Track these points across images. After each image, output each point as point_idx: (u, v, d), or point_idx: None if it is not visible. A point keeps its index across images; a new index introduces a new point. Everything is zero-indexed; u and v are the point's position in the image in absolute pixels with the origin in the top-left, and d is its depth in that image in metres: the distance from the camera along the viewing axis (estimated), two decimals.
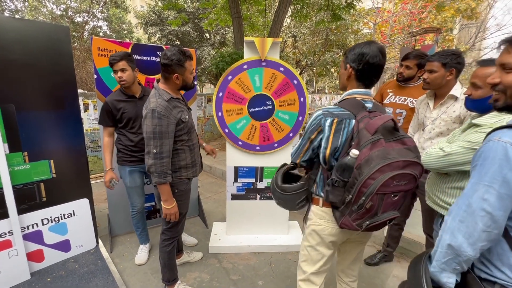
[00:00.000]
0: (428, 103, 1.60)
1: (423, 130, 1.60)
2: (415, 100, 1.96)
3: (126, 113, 1.79)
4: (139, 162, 1.89)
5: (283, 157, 2.19)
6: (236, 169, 2.21)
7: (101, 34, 17.60)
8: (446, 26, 15.57)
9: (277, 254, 2.20)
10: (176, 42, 17.09)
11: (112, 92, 1.93)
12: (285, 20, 6.24)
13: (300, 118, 2.11)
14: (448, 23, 16.41)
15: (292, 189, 1.16)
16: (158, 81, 1.51)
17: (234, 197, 2.27)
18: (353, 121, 0.96)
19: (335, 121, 0.97)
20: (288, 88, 2.04)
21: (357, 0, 5.89)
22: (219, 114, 2.04)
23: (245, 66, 1.97)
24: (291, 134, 2.14)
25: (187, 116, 1.48)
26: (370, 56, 0.96)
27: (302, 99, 2.07)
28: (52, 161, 1.85)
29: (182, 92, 1.58)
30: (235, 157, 2.19)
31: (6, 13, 13.86)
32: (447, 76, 1.46)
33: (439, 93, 1.55)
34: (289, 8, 5.70)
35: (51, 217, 1.90)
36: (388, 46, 17.56)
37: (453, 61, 1.43)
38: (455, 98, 1.48)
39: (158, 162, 1.36)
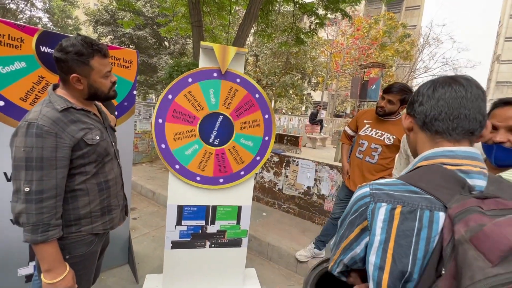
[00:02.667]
0: None
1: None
2: (393, 137, 1.76)
3: None
4: None
5: (240, 192, 1.77)
6: (181, 208, 1.69)
7: (39, 26, 15.37)
8: (388, 63, 17.67)
9: None
10: (131, 47, 15.81)
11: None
12: (248, 38, 6.07)
13: (267, 138, 1.73)
14: (389, 61, 18.72)
15: None
16: (55, 86, 1.02)
17: (176, 245, 1.72)
18: (441, 214, 0.47)
19: (398, 210, 0.49)
20: (251, 107, 1.66)
21: (319, 26, 6.03)
22: (160, 120, 1.53)
23: (190, 79, 1.53)
24: (258, 158, 1.73)
25: (97, 137, 1.01)
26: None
27: (267, 116, 1.70)
28: None
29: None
30: (179, 192, 1.67)
31: None
32: None
33: None
34: (253, 25, 5.54)
35: None
36: (341, 75, 19.13)
37: None
38: None
39: (33, 208, 0.86)
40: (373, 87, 10.06)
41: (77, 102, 1.00)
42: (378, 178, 1.85)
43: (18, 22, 1.48)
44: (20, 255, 1.59)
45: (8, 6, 14.12)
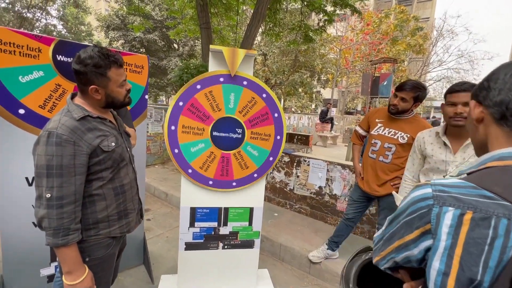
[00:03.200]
0: (444, 144, 1.33)
1: (444, 177, 1.31)
2: (406, 136, 1.72)
3: None
4: None
5: (252, 194, 1.77)
6: (194, 210, 1.72)
7: (54, 33, 15.93)
8: (399, 58, 17.23)
9: None
10: (141, 50, 16.11)
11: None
12: (256, 37, 6.06)
13: (271, 159, 1.73)
14: (401, 55, 18.24)
15: None
16: (73, 95, 1.06)
17: (189, 246, 1.75)
18: None
19: (469, 217, 0.46)
20: (266, 120, 1.67)
21: (328, 23, 5.95)
22: (172, 127, 1.56)
23: (221, 79, 1.55)
24: (255, 175, 1.73)
25: (113, 144, 1.03)
26: None
27: (278, 137, 1.71)
28: None
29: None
30: (192, 194, 1.70)
31: None
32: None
33: (462, 132, 1.28)
34: (261, 25, 5.53)
35: None
36: (351, 72, 18.80)
37: None
38: None
39: (54, 213, 0.90)
40: (385, 83, 9.84)
41: (94, 110, 1.03)
42: (393, 178, 1.81)
43: (35, 33, 1.54)
44: (42, 256, 1.65)
45: (25, 15, 14.68)
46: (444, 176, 1.32)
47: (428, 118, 20.81)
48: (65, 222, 0.91)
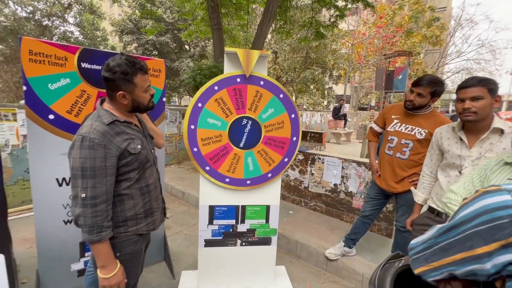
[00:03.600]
0: (460, 139, 1.31)
1: (460, 173, 1.29)
2: (424, 131, 1.69)
3: None
4: None
5: (268, 192, 1.80)
6: (212, 208, 1.77)
7: (71, 39, 16.54)
8: (415, 50, 16.65)
9: None
10: (154, 53, 16.47)
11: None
12: (267, 36, 6.07)
13: (294, 139, 1.75)
14: (417, 48, 17.63)
15: None
16: (103, 100, 1.14)
17: (209, 243, 1.81)
18: None
19: None
20: (281, 128, 1.72)
21: (339, 18, 5.86)
22: (195, 149, 1.62)
23: (216, 87, 1.59)
24: (269, 175, 1.76)
25: (139, 146, 1.10)
26: None
27: (293, 116, 1.72)
28: None
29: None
30: (209, 193, 1.75)
31: None
32: (493, 104, 1.19)
33: (477, 126, 1.26)
34: (272, 23, 5.52)
35: None
36: (364, 66, 18.38)
37: (496, 86, 1.18)
38: (501, 132, 1.20)
39: (89, 211, 0.97)
40: (400, 77, 9.57)
41: (121, 115, 1.10)
42: (411, 175, 1.79)
43: (55, 41, 1.64)
44: (72, 252, 1.76)
45: (44, 23, 15.32)
46: (460, 172, 1.29)
47: (447, 112, 20.03)
48: (99, 220, 0.98)
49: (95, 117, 1.04)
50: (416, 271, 0.59)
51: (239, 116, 1.65)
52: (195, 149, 1.63)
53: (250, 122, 1.67)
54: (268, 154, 1.72)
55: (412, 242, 0.63)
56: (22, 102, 3.39)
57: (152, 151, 1.24)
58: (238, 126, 1.66)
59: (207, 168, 1.67)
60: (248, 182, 1.74)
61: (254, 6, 9.81)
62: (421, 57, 19.34)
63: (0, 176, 1.52)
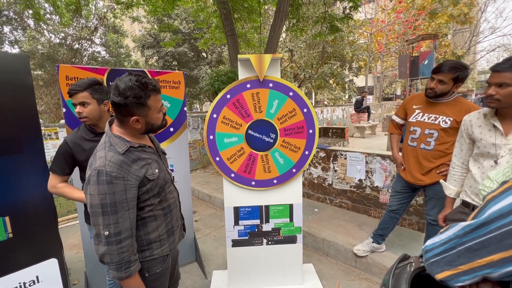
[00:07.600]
0: (494, 126, 1.23)
1: (496, 163, 1.22)
2: (449, 119, 1.62)
3: None
4: None
5: (289, 190, 1.84)
6: (237, 209, 1.84)
7: (99, 59, 17.77)
8: (441, 32, 15.59)
9: None
10: (173, 63, 17.17)
11: (74, 129, 1.53)
12: (280, 36, 6.08)
13: (311, 131, 1.76)
14: (443, 29, 16.48)
15: None
16: (111, 122, 1.05)
17: (236, 243, 1.88)
18: None
19: None
20: (300, 133, 1.76)
21: (354, 10, 5.70)
22: (211, 137, 1.71)
23: (270, 84, 1.69)
24: (294, 170, 1.79)
25: (156, 171, 1.04)
26: None
27: (305, 110, 1.74)
28: (7, 218, 1.49)
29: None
30: (233, 195, 1.82)
31: (6, 45, 14.01)
32: None
33: (509, 112, 1.19)
34: (285, 23, 5.53)
35: None
36: (385, 55, 17.58)
37: None
38: None
39: (114, 249, 0.92)
40: (426, 62, 9.04)
41: (133, 139, 1.03)
42: (438, 165, 1.71)
43: (85, 62, 1.81)
44: None
45: (75, 47, 16.64)
46: (495, 162, 1.22)
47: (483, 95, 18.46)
48: (126, 256, 0.94)
49: (108, 146, 0.96)
50: (439, 277, 0.52)
51: (249, 123, 1.72)
52: (217, 158, 1.73)
53: (261, 124, 1.72)
54: (291, 143, 1.76)
55: (428, 243, 0.57)
56: (62, 121, 3.78)
57: (168, 169, 1.20)
58: (252, 133, 1.73)
59: (232, 175, 1.76)
60: (275, 181, 1.79)
61: (266, 7, 9.86)
62: (448, 38, 18.05)
63: (49, 195, 1.71)
